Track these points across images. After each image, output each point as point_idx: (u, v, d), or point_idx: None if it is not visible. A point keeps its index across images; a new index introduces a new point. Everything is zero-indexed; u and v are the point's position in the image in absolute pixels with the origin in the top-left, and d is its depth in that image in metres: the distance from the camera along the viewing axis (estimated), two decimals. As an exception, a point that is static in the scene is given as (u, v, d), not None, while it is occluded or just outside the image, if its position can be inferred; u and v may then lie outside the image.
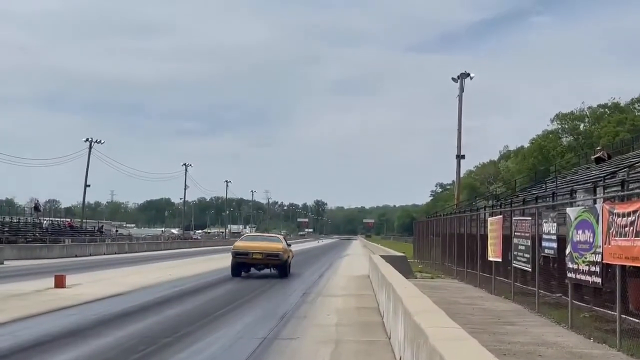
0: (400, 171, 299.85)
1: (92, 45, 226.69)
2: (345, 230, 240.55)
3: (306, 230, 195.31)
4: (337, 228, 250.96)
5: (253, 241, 22.23)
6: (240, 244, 21.92)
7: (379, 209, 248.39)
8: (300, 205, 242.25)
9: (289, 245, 23.13)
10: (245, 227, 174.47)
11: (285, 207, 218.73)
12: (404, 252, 31.69)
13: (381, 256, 22.79)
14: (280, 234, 35.62)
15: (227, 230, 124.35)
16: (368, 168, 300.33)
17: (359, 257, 44.21)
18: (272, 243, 22.18)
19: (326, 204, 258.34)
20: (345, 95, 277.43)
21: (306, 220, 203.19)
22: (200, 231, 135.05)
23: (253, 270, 22.11)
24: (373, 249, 52.60)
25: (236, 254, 21.26)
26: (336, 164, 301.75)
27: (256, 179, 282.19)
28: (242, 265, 21.29)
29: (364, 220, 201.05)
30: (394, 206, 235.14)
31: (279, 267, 21.38)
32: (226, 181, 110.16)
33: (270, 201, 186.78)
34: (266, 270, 22.17)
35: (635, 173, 15.77)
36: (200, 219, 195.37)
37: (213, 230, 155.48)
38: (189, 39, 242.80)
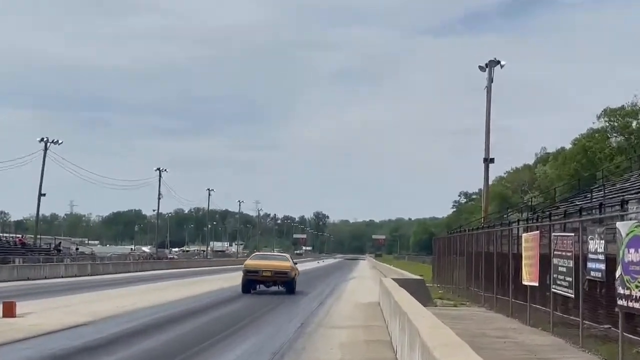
0: (416, 178, 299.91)
1: (49, 24, 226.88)
2: (350, 248, 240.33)
3: (304, 248, 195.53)
4: (341, 245, 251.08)
5: (262, 260, 28.58)
6: (250, 262, 27.91)
7: (391, 223, 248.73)
8: (297, 219, 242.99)
9: (295, 263, 28.99)
10: (230, 245, 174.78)
11: (279, 221, 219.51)
12: (421, 275, 31.75)
13: (394, 279, 22.94)
14: (279, 253, 42.72)
15: (209, 249, 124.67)
16: (377, 174, 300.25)
17: (368, 280, 44.15)
18: (281, 262, 28.13)
19: (328, 217, 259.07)
20: (351, 87, 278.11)
21: (304, 236, 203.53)
22: (177, 249, 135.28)
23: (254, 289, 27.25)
24: (384, 271, 52.57)
25: (247, 272, 26.91)
26: (339, 169, 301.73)
27: (244, 187, 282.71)
28: (253, 282, 26.99)
29: (373, 237, 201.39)
30: (409, 220, 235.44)
31: (287, 284, 27.02)
32: (208, 189, 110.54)
33: (261, 214, 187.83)
34: (267, 289, 27.00)
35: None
36: (178, 235, 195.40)
37: (192, 248, 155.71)
38: (169, 19, 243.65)
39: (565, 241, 14.76)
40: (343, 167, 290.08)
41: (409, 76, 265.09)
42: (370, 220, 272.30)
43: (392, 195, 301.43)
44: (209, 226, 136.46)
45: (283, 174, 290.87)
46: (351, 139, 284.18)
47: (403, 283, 21.18)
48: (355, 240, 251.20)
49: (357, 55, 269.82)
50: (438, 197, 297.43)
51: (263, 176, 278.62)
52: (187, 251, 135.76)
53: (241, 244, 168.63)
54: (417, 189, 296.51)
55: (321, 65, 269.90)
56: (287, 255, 32.46)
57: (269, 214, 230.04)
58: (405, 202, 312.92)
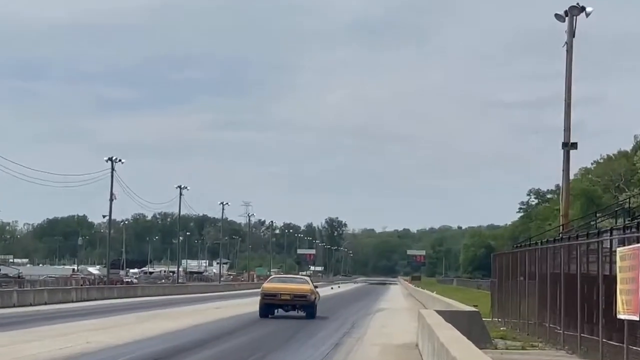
0: (467, 170, 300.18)
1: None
2: (377, 269, 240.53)
3: (312, 268, 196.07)
4: (364, 265, 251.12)
5: (281, 282, 36.80)
6: (268, 285, 36.48)
7: (434, 234, 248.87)
8: (303, 228, 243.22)
9: (315, 287, 37.08)
10: (210, 264, 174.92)
11: (278, 231, 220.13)
12: (475, 305, 31.85)
13: (438, 312, 23.18)
14: (299, 275, 53.30)
15: (180, 270, 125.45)
16: (412, 165, 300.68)
17: (401, 313, 44.50)
18: (300, 284, 36.43)
19: (345, 225, 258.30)
20: (373, 46, 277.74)
21: (312, 251, 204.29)
22: (136, 270, 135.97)
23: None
24: (424, 300, 52.57)
25: (265, 295, 35.21)
26: (360, 159, 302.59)
27: (229, 184, 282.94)
28: (271, 306, 35.26)
29: (409, 252, 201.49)
30: (459, 228, 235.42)
31: (307, 308, 35.08)
32: (180, 187, 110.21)
33: (253, 221, 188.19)
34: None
35: None
36: (138, 250, 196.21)
37: (158, 268, 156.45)
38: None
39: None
40: (365, 156, 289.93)
41: (453, 29, 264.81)
42: (403, 229, 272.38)
43: (433, 194, 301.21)
44: (181, 238, 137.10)
45: (282, 165, 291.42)
46: (374, 117, 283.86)
47: (451, 317, 21.47)
48: (384, 258, 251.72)
49: (379, 2, 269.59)
50: (499, 198, 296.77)
51: (254, 168, 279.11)
52: (151, 273, 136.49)
53: (225, 263, 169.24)
54: (468, 186, 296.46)
55: (330, 15, 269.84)
56: (307, 278, 41.98)
57: (264, 221, 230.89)
58: (453, 205, 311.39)
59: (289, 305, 35.80)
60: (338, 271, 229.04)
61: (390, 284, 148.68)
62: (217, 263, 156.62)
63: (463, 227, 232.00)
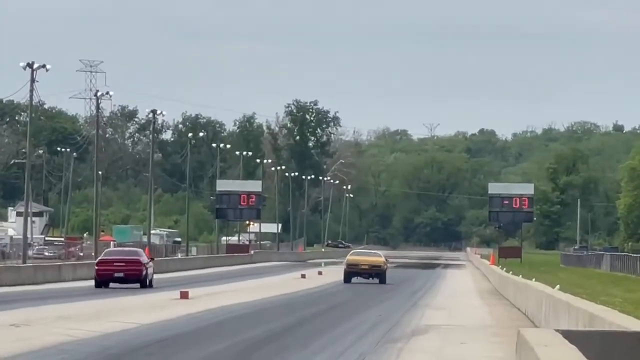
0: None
1: None
2: (414, 230, 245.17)
3: (251, 228, 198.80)
4: (383, 220, 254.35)
5: (360, 256, 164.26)
6: (351, 257, 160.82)
7: (552, 144, 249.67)
8: (232, 127, 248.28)
9: (386, 260, 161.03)
10: (2, 218, 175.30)
11: (170, 134, 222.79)
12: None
13: (565, 334, 23.71)
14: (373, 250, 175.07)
15: None
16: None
17: (473, 337, 47.03)
18: (375, 257, 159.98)
19: (336, 119, 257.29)
20: None
21: (255, 186, 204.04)
22: None
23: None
24: (531, 305, 53.49)
25: (348, 265, 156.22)
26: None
27: (52, 18, 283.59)
28: (353, 273, 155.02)
29: (492, 190, 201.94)
30: (616, 131, 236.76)
31: (380, 276, 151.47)
32: None
33: (108, 110, 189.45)
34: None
35: None
36: None
37: None
38: None
39: None
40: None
41: None
42: (480, 133, 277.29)
43: (549, 51, 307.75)
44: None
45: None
46: None
47: (598, 346, 22.89)
48: (431, 202, 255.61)
49: None
50: None
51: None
52: None
53: (39, 214, 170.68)
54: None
55: None
56: (380, 252, 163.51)
57: (135, 110, 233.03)
58: (596, 82, 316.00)
59: (366, 273, 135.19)
60: (318, 235, 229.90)
61: (447, 264, 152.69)
62: (19, 215, 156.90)
63: (625, 129, 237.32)
